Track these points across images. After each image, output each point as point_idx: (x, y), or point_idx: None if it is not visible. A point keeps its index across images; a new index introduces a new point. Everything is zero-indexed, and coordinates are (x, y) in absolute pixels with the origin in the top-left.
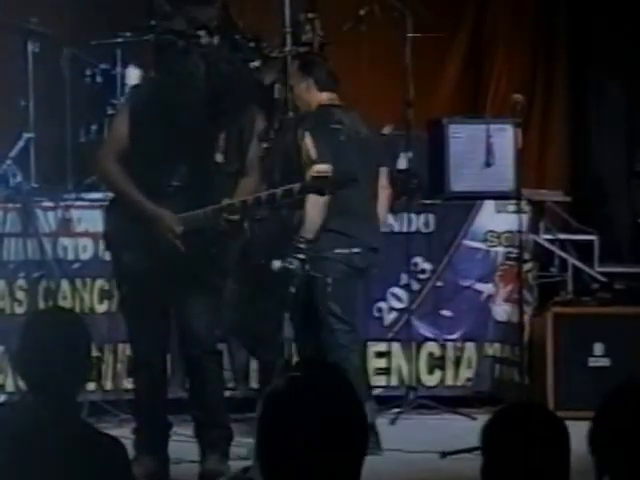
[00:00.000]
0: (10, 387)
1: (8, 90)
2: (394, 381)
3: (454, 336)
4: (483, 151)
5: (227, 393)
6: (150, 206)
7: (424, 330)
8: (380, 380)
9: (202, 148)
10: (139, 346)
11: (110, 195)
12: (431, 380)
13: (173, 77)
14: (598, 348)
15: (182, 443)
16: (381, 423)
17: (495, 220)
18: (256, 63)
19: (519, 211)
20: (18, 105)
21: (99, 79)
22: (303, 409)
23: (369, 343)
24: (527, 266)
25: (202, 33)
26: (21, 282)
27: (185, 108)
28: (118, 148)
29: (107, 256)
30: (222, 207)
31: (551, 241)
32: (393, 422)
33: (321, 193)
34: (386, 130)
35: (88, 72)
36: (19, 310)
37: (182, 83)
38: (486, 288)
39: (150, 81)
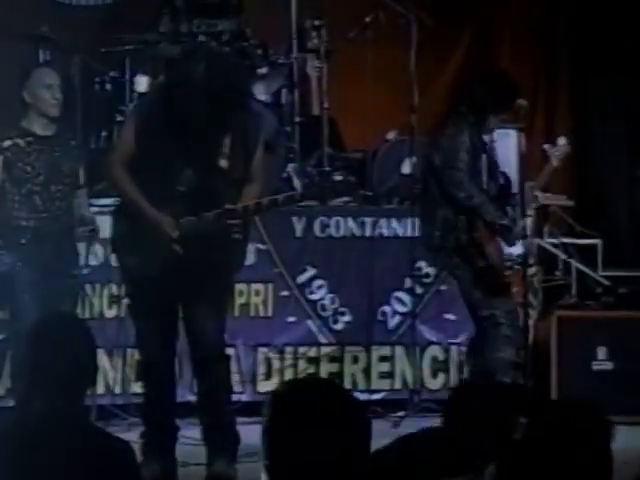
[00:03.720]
0: None
1: (19, 97)
2: (398, 384)
3: (458, 340)
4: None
5: (235, 397)
6: (150, 211)
7: (428, 334)
8: (384, 384)
9: (206, 152)
10: (146, 349)
11: (118, 200)
12: (435, 383)
13: (175, 81)
14: (601, 352)
15: (189, 446)
16: (385, 426)
17: None
18: (263, 70)
19: (523, 215)
20: None
21: (108, 86)
22: (308, 413)
23: (373, 347)
24: (531, 270)
25: (214, 44)
26: None
27: (187, 112)
28: (125, 154)
29: (113, 260)
30: (223, 212)
31: (555, 245)
32: (396, 425)
33: (322, 200)
34: (391, 136)
35: (98, 79)
36: None
37: (183, 87)
38: None
39: (156, 87)
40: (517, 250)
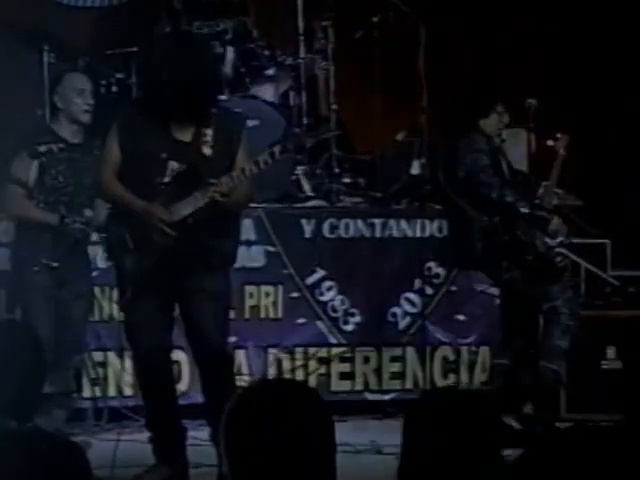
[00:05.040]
0: None
1: (25, 100)
2: (409, 385)
3: (468, 340)
4: None
5: None
6: (140, 202)
7: (438, 334)
8: (395, 384)
9: (188, 142)
10: (143, 347)
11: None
12: (445, 384)
13: (152, 76)
14: (611, 351)
15: (202, 447)
16: (397, 425)
17: None
18: (271, 71)
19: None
20: (34, 115)
21: (114, 89)
22: (267, 418)
23: (384, 348)
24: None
25: (216, 44)
26: None
27: (163, 101)
28: (114, 165)
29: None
30: (209, 187)
31: (564, 245)
32: None
33: (302, 150)
34: (400, 136)
35: (103, 82)
36: None
37: (156, 76)
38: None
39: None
40: (558, 239)
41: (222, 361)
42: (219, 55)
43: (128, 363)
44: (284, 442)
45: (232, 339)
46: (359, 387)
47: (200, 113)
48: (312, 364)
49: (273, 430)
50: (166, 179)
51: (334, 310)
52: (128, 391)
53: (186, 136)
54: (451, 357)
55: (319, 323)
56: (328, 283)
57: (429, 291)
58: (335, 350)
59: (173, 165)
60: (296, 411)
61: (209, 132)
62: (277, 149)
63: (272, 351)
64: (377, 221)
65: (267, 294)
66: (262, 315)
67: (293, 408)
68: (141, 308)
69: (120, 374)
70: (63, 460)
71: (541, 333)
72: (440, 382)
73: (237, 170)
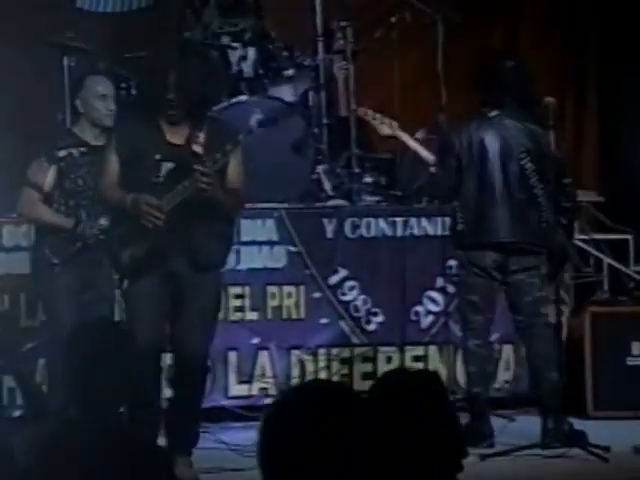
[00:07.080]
0: None
1: (45, 104)
2: None
3: (491, 338)
4: None
5: (270, 400)
6: (130, 195)
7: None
8: None
9: (180, 145)
10: (141, 337)
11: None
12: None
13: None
14: (636, 347)
15: (223, 451)
16: None
17: None
18: (290, 72)
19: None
20: (55, 118)
21: (134, 92)
22: (305, 420)
23: (406, 347)
24: None
25: (237, 45)
26: None
27: (157, 108)
28: (112, 174)
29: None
30: (194, 174)
31: (586, 241)
32: None
33: (275, 122)
34: (419, 135)
35: (123, 85)
36: None
37: (155, 84)
38: None
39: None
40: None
41: (201, 374)
42: (240, 56)
43: None
44: (326, 444)
45: (255, 340)
46: None
47: (193, 117)
48: (335, 364)
49: (316, 432)
50: (160, 179)
51: (356, 310)
52: None
53: (179, 139)
54: None
55: (341, 323)
56: (350, 283)
57: (451, 289)
58: (358, 350)
59: (167, 166)
60: (340, 414)
61: (201, 134)
62: (254, 126)
63: (295, 352)
64: (398, 220)
65: (289, 295)
66: (284, 316)
67: (337, 411)
68: (138, 298)
69: None
70: (152, 463)
71: (540, 343)
72: (463, 381)
73: (218, 154)
